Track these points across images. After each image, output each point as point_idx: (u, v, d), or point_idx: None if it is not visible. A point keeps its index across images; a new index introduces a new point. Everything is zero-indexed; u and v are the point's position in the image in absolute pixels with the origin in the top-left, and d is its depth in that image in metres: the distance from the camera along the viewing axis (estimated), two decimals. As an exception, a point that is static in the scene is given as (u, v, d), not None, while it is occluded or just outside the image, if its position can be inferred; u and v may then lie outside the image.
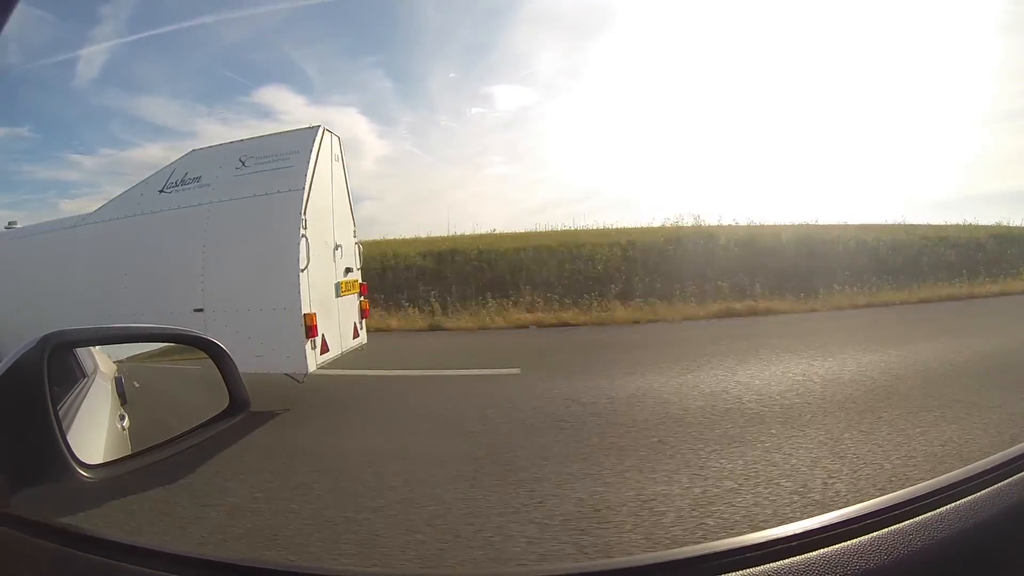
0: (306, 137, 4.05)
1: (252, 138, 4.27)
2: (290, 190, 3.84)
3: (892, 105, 23.45)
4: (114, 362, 0.97)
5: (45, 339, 0.69)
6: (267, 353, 3.61)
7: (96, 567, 0.59)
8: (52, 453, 0.65)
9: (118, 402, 0.91)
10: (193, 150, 4.40)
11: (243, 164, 4.04)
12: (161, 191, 4.19)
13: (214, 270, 3.86)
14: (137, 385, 0.96)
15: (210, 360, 0.80)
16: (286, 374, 3.77)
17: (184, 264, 3.95)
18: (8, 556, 0.60)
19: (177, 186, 4.17)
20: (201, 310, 3.84)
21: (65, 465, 0.65)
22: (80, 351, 0.91)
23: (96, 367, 0.94)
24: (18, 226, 5.56)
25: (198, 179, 4.13)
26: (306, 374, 3.69)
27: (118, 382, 0.94)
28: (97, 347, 0.95)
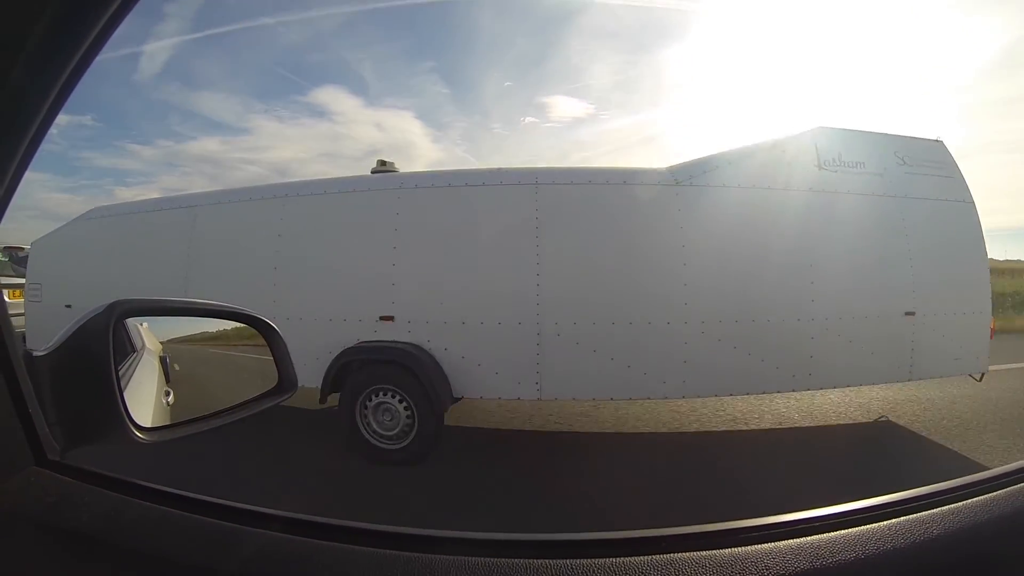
0: (937, 149, 4.17)
1: (878, 133, 4.17)
2: (963, 201, 4.06)
3: None
4: (160, 342, 1.00)
5: (112, 306, 0.73)
6: (962, 355, 3.92)
7: (151, 514, 0.61)
8: (110, 412, 0.68)
9: (163, 379, 0.94)
10: (820, 127, 4.02)
11: (903, 161, 4.08)
12: (820, 168, 3.89)
13: (922, 268, 3.87)
14: (178, 368, 0.99)
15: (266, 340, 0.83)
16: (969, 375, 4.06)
17: (883, 255, 3.86)
18: (66, 502, 0.62)
19: (836, 167, 3.93)
20: (912, 313, 3.84)
21: (122, 425, 0.68)
22: (130, 329, 0.95)
23: (144, 344, 0.97)
24: (392, 170, 4.48)
25: (861, 164, 3.99)
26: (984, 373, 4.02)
27: (163, 361, 0.96)
28: (145, 326, 0.98)
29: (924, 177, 4.03)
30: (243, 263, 4.16)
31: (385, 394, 3.71)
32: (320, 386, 3.74)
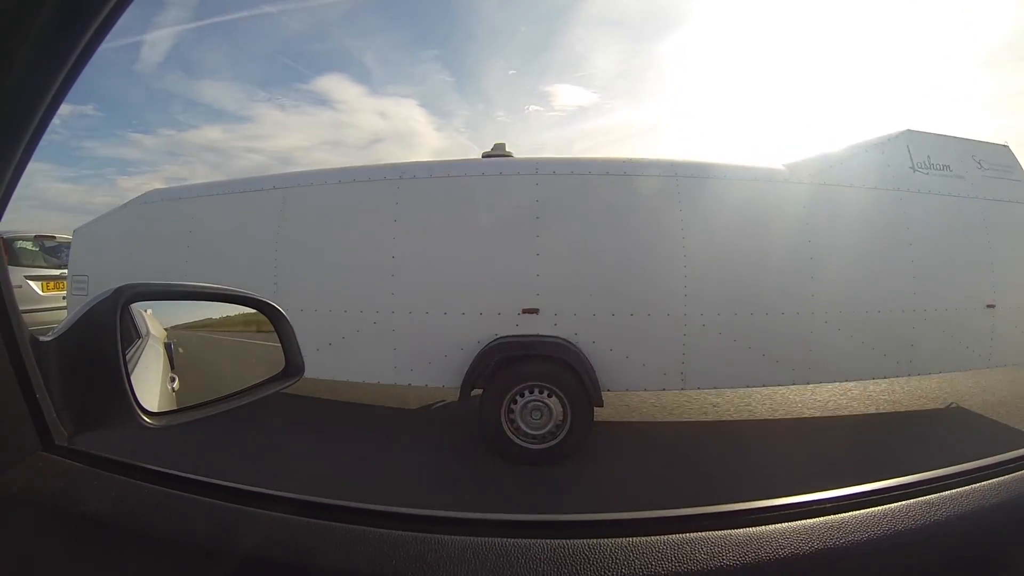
0: (1005, 153, 4.36)
1: (958, 137, 4.36)
2: None
3: None
4: (164, 328, 0.99)
5: (120, 290, 0.73)
6: None
7: (160, 497, 0.61)
8: (118, 397, 0.68)
9: (168, 366, 0.93)
10: (910, 130, 4.23)
11: (980, 165, 4.25)
12: (913, 170, 4.12)
13: (1001, 264, 4.12)
14: (182, 351, 0.98)
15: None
16: None
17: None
18: (74, 486, 0.62)
19: (927, 169, 4.16)
20: (993, 306, 4.06)
21: (129, 409, 0.68)
22: (135, 315, 0.94)
23: (148, 331, 0.96)
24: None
25: (947, 167, 4.19)
26: None
27: (168, 347, 0.96)
28: (149, 312, 0.97)
29: (997, 180, 4.29)
30: (349, 251, 3.86)
31: (535, 391, 3.54)
32: (461, 385, 3.55)
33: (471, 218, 3.75)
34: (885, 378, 4.16)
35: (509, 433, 3.55)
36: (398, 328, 3.72)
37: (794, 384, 4.03)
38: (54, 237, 7.69)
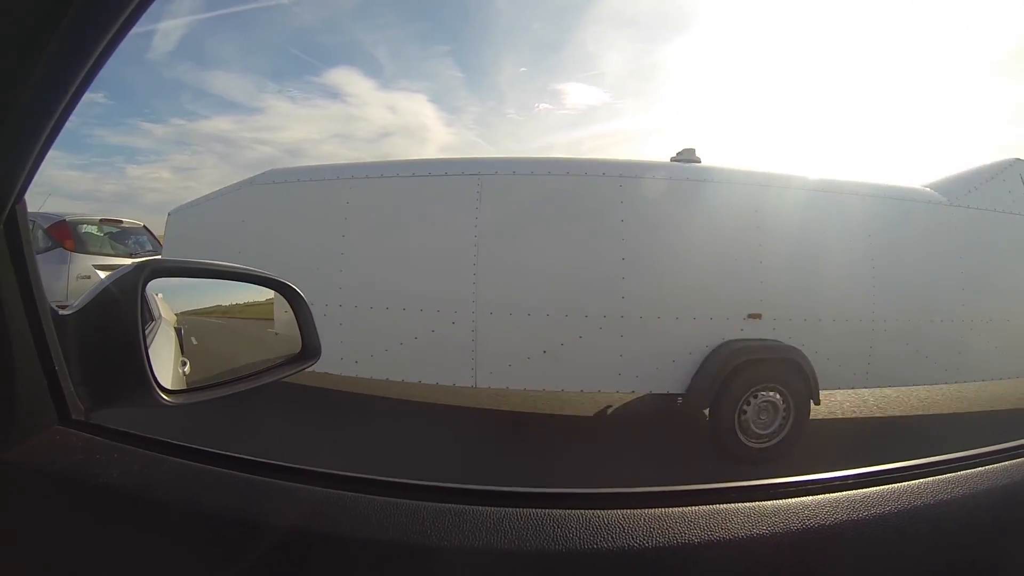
0: None
1: None
2: None
3: None
4: (175, 314, 0.98)
5: (141, 265, 0.72)
6: None
7: (186, 469, 0.60)
8: (136, 373, 0.67)
9: (179, 350, 0.92)
10: (1017, 159, 4.52)
11: None
12: None
13: None
14: (195, 341, 0.97)
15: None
16: None
17: None
18: (93, 459, 0.61)
19: None
20: None
21: (147, 386, 0.67)
22: (149, 297, 0.93)
23: (160, 314, 0.95)
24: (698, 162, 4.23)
25: None
26: None
27: (178, 332, 0.95)
28: (160, 296, 0.97)
29: None
30: (569, 250, 3.64)
31: (765, 392, 3.69)
32: (687, 389, 3.63)
33: (698, 223, 3.80)
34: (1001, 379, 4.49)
35: (739, 432, 3.67)
36: (627, 334, 3.62)
37: (947, 383, 4.42)
38: (120, 222, 7.01)
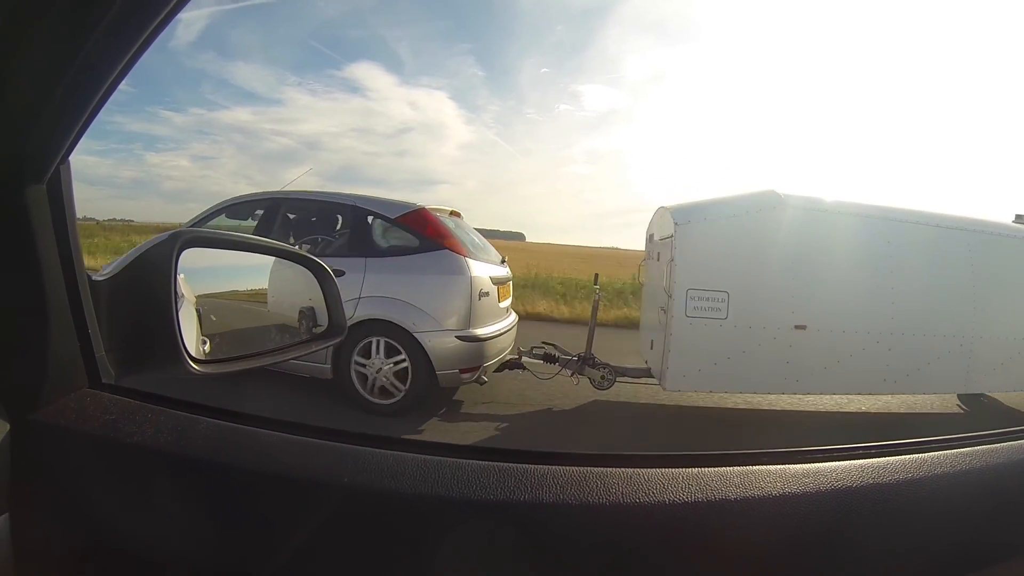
0: None
1: None
2: None
3: None
4: (195, 295, 0.99)
5: (176, 234, 0.74)
6: None
7: (220, 428, 0.60)
8: (168, 341, 0.68)
9: (199, 329, 0.92)
10: None
11: None
12: None
13: None
14: (214, 319, 0.98)
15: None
16: None
17: None
18: (126, 419, 0.61)
19: None
20: None
21: (177, 353, 0.68)
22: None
23: (183, 293, 0.96)
24: None
25: None
26: None
27: (198, 311, 0.95)
28: (182, 277, 0.97)
29: None
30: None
31: None
32: None
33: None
34: None
35: None
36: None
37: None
38: (459, 215, 4.71)
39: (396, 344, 3.70)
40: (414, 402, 3.76)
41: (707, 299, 3.69)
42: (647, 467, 0.55)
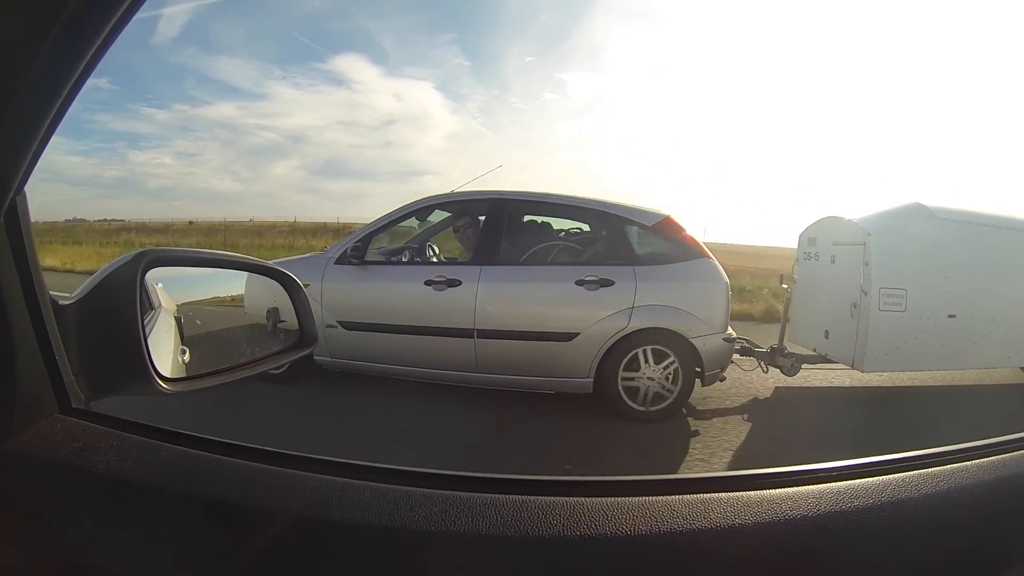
0: None
1: None
2: None
3: None
4: (176, 304, 1.00)
5: (141, 254, 0.73)
6: None
7: (182, 456, 0.61)
8: (135, 361, 0.68)
9: (179, 339, 0.94)
10: None
11: None
12: None
13: None
14: (199, 323, 0.99)
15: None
16: None
17: None
18: (93, 446, 0.62)
19: None
20: None
21: (146, 374, 0.68)
22: (149, 286, 0.94)
23: (160, 304, 0.97)
24: None
25: None
26: None
27: (178, 320, 0.96)
28: (160, 286, 0.98)
29: None
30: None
31: None
32: None
33: None
34: None
35: None
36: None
37: None
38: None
39: (665, 349, 3.78)
40: (680, 404, 3.90)
41: (893, 295, 4.45)
42: (591, 496, 0.54)
